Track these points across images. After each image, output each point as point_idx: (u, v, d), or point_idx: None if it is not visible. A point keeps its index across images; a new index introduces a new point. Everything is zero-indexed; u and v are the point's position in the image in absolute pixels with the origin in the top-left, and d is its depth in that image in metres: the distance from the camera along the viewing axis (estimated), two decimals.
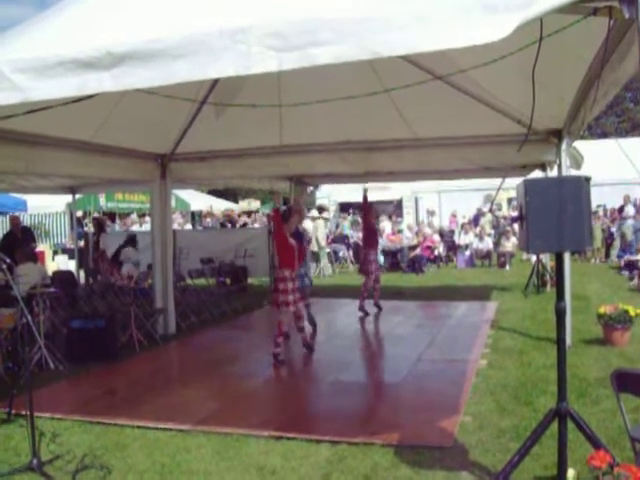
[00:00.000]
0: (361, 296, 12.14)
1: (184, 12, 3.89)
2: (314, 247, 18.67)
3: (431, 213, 24.44)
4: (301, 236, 9.68)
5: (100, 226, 14.79)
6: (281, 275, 8.63)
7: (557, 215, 3.66)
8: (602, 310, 8.46)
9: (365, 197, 12.13)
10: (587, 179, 3.74)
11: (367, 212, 12.29)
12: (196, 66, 3.63)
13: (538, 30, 3.44)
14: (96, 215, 21.08)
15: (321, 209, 22.37)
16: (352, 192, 24.83)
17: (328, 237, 21.21)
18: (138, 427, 5.95)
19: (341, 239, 22.78)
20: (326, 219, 21.85)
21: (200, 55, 3.60)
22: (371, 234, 12.33)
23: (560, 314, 4.07)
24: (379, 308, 12.30)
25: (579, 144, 10.35)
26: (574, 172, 9.25)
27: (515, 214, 19.45)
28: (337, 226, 25.55)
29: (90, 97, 4.33)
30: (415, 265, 19.46)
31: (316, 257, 19.01)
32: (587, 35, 3.97)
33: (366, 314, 12.00)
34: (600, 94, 4.91)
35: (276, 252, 9.12)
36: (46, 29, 4.46)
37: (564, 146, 8.43)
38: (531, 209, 3.74)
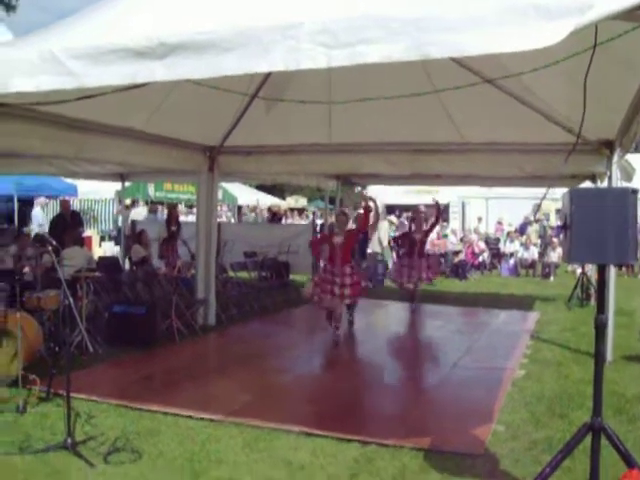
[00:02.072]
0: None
1: (236, 5, 3.92)
2: (375, 247, 18.59)
3: (478, 219, 24.23)
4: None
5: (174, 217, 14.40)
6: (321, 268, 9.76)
7: (601, 226, 3.59)
8: None
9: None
10: (634, 191, 3.66)
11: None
12: (246, 59, 3.66)
13: (590, 36, 3.38)
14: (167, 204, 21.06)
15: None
16: (398, 194, 24.70)
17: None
18: (171, 414, 6.01)
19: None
20: (391, 222, 21.74)
21: (250, 48, 3.63)
22: (410, 245, 12.47)
23: (600, 327, 3.99)
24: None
25: (631, 157, 10.16)
26: (625, 185, 9.07)
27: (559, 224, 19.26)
28: None
29: (140, 86, 4.41)
30: (459, 271, 19.33)
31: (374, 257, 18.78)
32: None
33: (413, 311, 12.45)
34: None
35: None
36: (101, 18, 4.55)
37: (615, 158, 8.26)
38: (575, 219, 3.67)
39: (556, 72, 4.63)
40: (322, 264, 9.52)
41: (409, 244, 12.48)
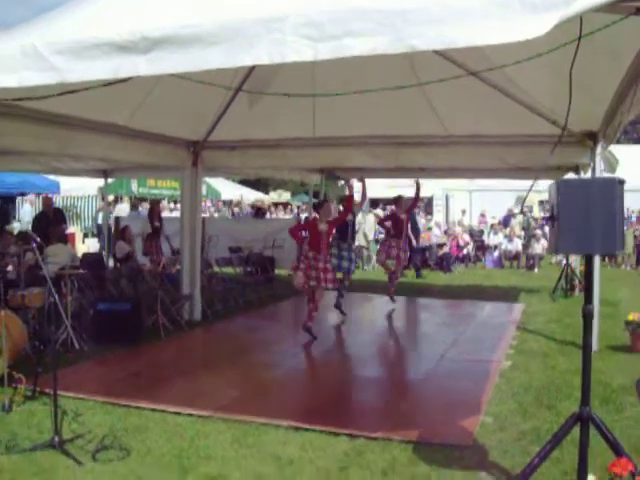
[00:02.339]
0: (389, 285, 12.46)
1: None
2: (361, 241, 18.63)
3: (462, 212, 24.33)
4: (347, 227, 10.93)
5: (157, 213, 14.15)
6: (303, 253, 9.53)
7: (588, 217, 3.60)
8: (630, 317, 8.35)
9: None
10: (620, 181, 3.67)
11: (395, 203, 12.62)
12: (231, 53, 3.64)
13: (574, 28, 3.39)
14: (150, 200, 20.95)
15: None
16: (381, 188, 24.72)
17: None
18: (159, 411, 6.00)
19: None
20: (377, 215, 21.79)
21: (235, 42, 3.61)
22: (396, 225, 12.35)
23: (587, 317, 4.01)
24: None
25: (614, 148, 10.19)
26: (608, 176, 9.11)
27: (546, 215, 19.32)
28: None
29: (124, 81, 4.37)
30: (443, 263, 19.37)
31: (360, 251, 18.81)
32: (627, 35, 3.91)
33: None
34: (638, 96, 4.84)
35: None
36: (84, 12, 4.50)
37: (599, 149, 8.29)
38: (562, 209, 3.68)
39: (540, 64, 4.63)
40: (304, 251, 9.47)
41: (394, 225, 12.38)
